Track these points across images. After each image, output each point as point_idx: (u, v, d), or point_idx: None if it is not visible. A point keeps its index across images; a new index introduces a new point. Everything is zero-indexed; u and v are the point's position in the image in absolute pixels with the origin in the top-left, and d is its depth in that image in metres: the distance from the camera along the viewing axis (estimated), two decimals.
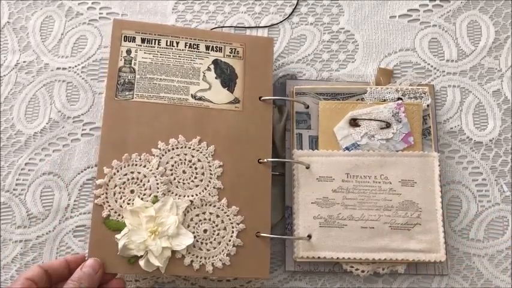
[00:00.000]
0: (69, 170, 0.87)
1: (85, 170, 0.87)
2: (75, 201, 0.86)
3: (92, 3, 0.95)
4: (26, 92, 0.90)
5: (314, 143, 0.85)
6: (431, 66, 0.93)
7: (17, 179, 0.86)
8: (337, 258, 0.81)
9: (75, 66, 0.91)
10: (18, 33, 0.93)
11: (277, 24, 0.94)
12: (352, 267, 0.82)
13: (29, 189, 0.86)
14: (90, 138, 0.88)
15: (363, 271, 0.82)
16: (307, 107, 0.86)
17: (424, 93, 0.87)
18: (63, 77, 0.91)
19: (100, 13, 0.94)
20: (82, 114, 0.89)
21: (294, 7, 0.95)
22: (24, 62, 0.91)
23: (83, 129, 0.89)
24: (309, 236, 0.81)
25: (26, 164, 0.87)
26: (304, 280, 0.84)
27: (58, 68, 0.91)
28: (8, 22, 0.93)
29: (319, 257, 0.81)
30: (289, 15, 0.95)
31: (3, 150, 0.87)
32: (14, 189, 0.86)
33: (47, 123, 0.89)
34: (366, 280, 0.84)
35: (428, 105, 0.87)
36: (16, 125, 0.89)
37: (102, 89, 0.90)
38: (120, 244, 0.73)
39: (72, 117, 0.89)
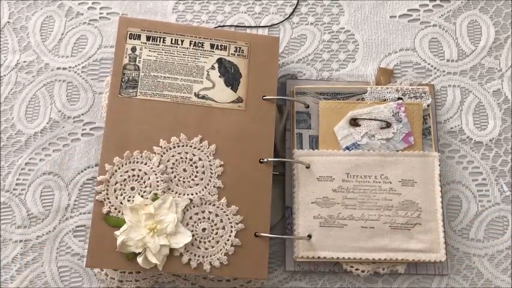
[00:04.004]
0: (69, 169, 0.87)
1: (85, 169, 0.87)
2: (75, 201, 0.86)
3: (92, 3, 0.95)
4: (26, 91, 0.90)
5: (314, 143, 0.85)
6: (432, 66, 0.93)
7: (17, 179, 0.87)
8: (337, 258, 0.81)
9: (76, 66, 0.91)
10: (18, 33, 0.93)
11: (277, 24, 0.94)
12: (352, 267, 0.82)
13: (29, 189, 0.86)
14: (90, 138, 0.88)
15: (363, 271, 0.82)
16: (308, 107, 0.86)
17: (425, 93, 0.87)
18: (64, 76, 0.91)
19: (100, 13, 0.94)
20: (82, 114, 0.89)
21: (294, 7, 0.95)
22: (24, 62, 0.91)
23: (83, 129, 0.89)
24: (309, 236, 0.81)
25: (26, 163, 0.87)
26: (304, 280, 0.84)
27: (58, 68, 0.91)
28: (8, 22, 0.93)
29: (319, 257, 0.81)
30: (289, 15, 0.95)
31: (3, 150, 0.87)
32: (14, 189, 0.86)
33: (47, 123, 0.89)
34: (366, 280, 0.84)
35: (428, 105, 0.86)
36: (16, 124, 0.89)
37: (102, 88, 0.90)
38: (119, 240, 0.74)
39: (73, 117, 0.89)
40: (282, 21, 0.95)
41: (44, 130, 0.88)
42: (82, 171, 0.87)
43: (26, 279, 0.84)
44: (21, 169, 0.87)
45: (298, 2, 0.95)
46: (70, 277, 0.84)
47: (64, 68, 0.91)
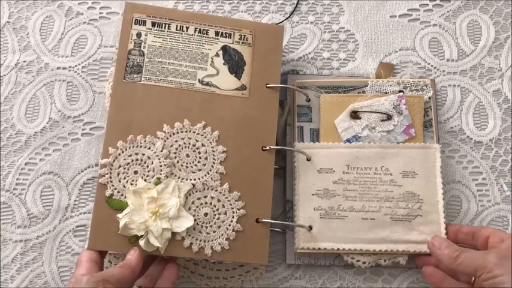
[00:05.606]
0: (69, 169, 0.87)
1: (85, 169, 0.87)
2: (75, 201, 0.86)
3: (92, 3, 0.95)
4: (26, 91, 0.90)
5: (315, 136, 0.85)
6: (432, 65, 0.93)
7: (17, 179, 0.87)
8: (338, 249, 0.81)
9: (76, 65, 0.92)
10: (18, 33, 0.93)
11: (277, 23, 0.94)
12: (353, 258, 0.82)
13: (29, 189, 0.86)
14: (90, 137, 0.89)
15: (364, 262, 0.82)
16: (309, 100, 0.86)
17: (426, 86, 0.87)
18: (64, 76, 0.91)
19: (100, 13, 0.94)
20: (82, 114, 0.89)
21: (294, 6, 0.95)
22: (24, 61, 0.92)
23: (83, 129, 0.89)
24: (310, 227, 0.81)
25: (26, 163, 0.87)
26: (304, 279, 0.84)
27: (58, 68, 0.91)
28: (8, 22, 0.94)
29: (319, 248, 0.81)
30: (289, 15, 0.95)
31: (3, 150, 0.87)
32: (14, 189, 0.86)
33: (47, 123, 0.89)
34: (366, 280, 0.83)
35: (430, 98, 0.87)
36: (16, 124, 0.89)
37: (103, 88, 0.90)
38: (122, 223, 0.74)
39: (73, 116, 0.89)
40: (282, 21, 0.95)
41: (44, 130, 0.89)
42: (82, 171, 0.87)
43: (26, 279, 0.83)
44: (21, 169, 0.87)
45: (298, 1, 0.95)
46: (70, 277, 0.83)
47: (64, 68, 0.91)
